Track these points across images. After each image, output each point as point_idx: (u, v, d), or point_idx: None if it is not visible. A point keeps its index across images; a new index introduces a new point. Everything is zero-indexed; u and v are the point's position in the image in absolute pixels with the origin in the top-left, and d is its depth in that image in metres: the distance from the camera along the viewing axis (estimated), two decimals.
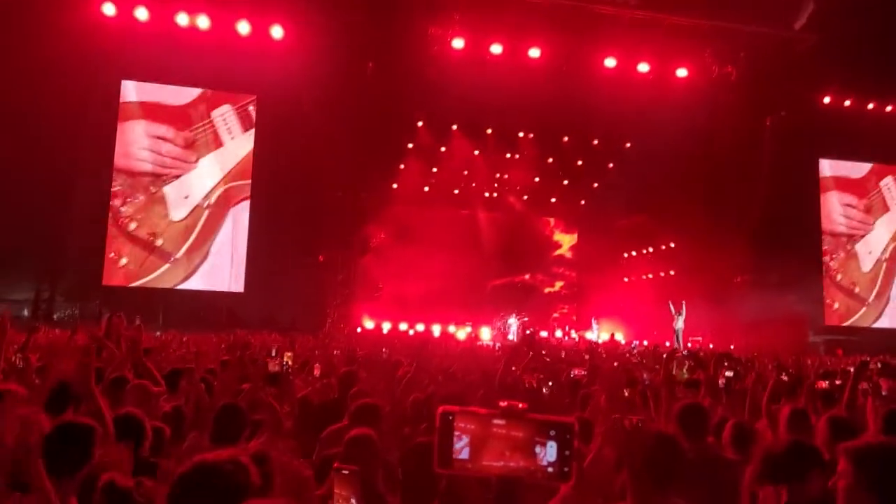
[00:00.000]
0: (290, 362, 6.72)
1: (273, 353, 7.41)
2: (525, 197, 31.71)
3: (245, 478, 2.35)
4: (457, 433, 1.56)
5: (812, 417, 4.59)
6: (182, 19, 21.02)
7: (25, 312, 21.12)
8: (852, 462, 2.27)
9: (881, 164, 28.68)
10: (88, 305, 21.29)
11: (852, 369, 7.65)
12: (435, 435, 1.59)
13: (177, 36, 21.11)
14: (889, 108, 26.11)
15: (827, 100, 25.43)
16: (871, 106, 25.89)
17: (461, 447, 1.56)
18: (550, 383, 4.24)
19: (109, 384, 5.33)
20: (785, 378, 9.11)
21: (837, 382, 6.86)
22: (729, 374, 7.09)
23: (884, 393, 5.89)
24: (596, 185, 30.22)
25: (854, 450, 2.30)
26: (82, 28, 19.76)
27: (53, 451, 3.05)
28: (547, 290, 33.41)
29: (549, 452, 1.52)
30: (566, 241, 34.15)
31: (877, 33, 22.30)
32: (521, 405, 1.55)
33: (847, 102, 25.63)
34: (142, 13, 20.81)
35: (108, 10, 20.67)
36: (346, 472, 2.40)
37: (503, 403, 1.56)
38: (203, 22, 21.13)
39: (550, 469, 1.52)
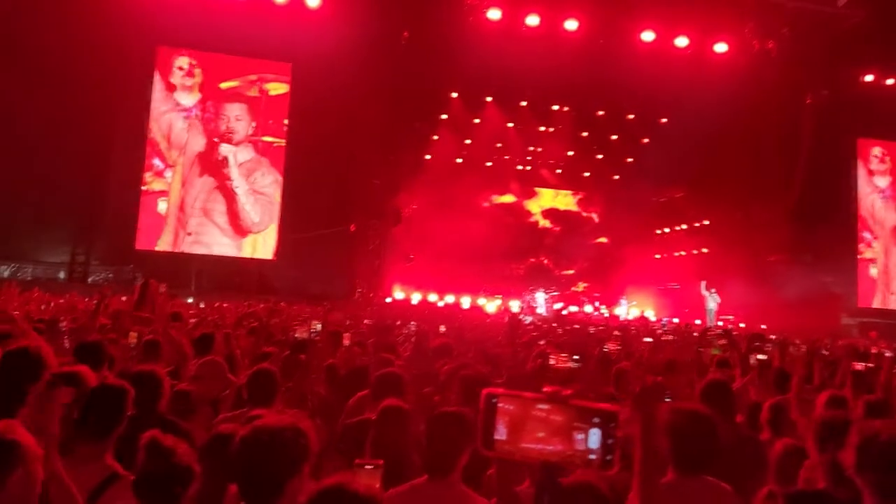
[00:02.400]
0: (318, 328, 6.78)
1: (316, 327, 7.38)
2: (558, 171, 31.52)
3: (305, 443, 2.37)
4: (499, 415, 1.58)
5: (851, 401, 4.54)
6: None
7: (62, 275, 21.53)
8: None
9: None
10: (123, 270, 21.64)
11: (888, 353, 7.54)
12: (479, 417, 1.61)
13: (212, 3, 21.13)
14: None
15: (869, 78, 24.76)
16: None
17: (501, 429, 1.58)
18: (576, 357, 4.22)
19: (145, 346, 5.45)
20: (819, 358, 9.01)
21: (870, 365, 6.77)
22: (761, 356, 7.00)
23: None
24: (630, 159, 29.86)
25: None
26: None
27: (91, 410, 3.13)
28: (561, 272, 33.23)
29: (591, 440, 1.53)
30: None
31: None
32: (566, 391, 1.57)
33: (890, 81, 24.94)
34: None
35: None
36: (369, 466, 2.41)
37: (548, 388, 1.57)
38: None
39: (593, 456, 1.53)
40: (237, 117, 23.42)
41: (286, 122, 23.64)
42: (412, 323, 12.25)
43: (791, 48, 23.03)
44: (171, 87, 23.11)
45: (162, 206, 22.75)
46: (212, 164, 23.11)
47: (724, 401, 4.34)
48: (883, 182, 27.68)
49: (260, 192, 23.39)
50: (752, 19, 22.69)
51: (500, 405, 1.59)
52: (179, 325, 7.43)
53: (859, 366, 6.39)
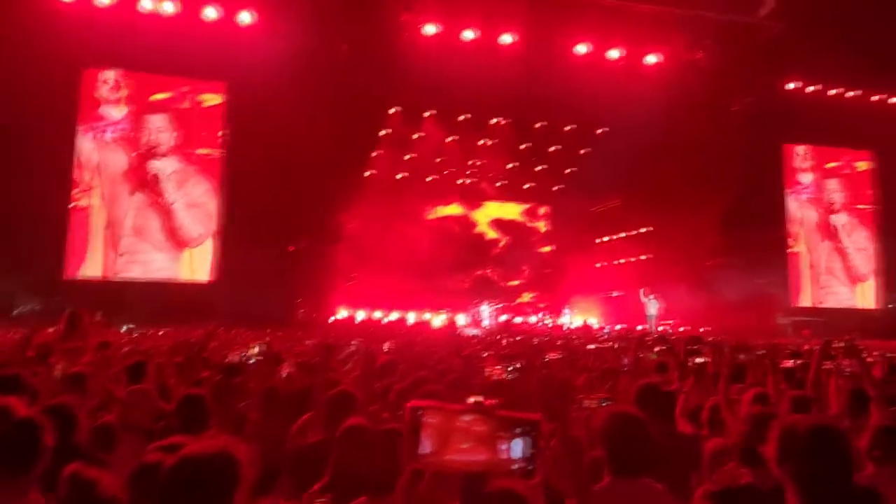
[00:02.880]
0: (256, 351, 6.64)
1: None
2: (499, 183, 31.78)
3: (236, 470, 2.27)
4: (423, 428, 1.58)
5: (774, 398, 4.64)
6: (145, 4, 20.64)
7: None
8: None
9: (845, 149, 29.08)
10: (51, 300, 20.83)
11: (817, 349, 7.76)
12: (406, 430, 1.61)
13: (140, 22, 20.70)
14: (850, 95, 26.51)
15: (791, 86, 25.77)
16: (832, 92, 26.30)
17: (426, 441, 1.58)
18: (513, 367, 4.23)
19: (69, 378, 5.25)
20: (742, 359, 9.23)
21: (799, 362, 6.96)
22: (699, 360, 7.14)
23: (847, 371, 5.98)
24: (569, 170, 30.30)
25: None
26: (39, 16, 19.25)
27: (2, 446, 2.97)
28: (506, 283, 33.50)
29: (515, 449, 1.53)
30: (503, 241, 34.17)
31: (838, 21, 22.64)
32: (490, 401, 1.57)
33: (810, 89, 26.01)
34: None
35: None
36: (320, 500, 2.37)
37: (471, 399, 1.57)
38: (168, 7, 20.77)
39: (516, 465, 1.54)
40: (159, 129, 22.80)
41: (220, 133, 23.21)
42: (354, 341, 12.12)
43: (717, 58, 23.81)
44: (97, 103, 22.42)
45: (92, 232, 22.06)
46: (142, 182, 22.50)
47: (658, 403, 4.40)
48: (806, 179, 28.70)
49: (195, 203, 22.90)
50: (680, 31, 23.40)
51: (424, 418, 1.57)
52: (108, 354, 7.18)
53: (788, 363, 6.57)
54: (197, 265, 22.88)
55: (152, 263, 22.43)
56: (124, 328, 17.45)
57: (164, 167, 22.70)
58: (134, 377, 5.85)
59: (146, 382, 5.68)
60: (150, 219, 22.48)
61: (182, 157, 22.99)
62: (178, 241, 22.67)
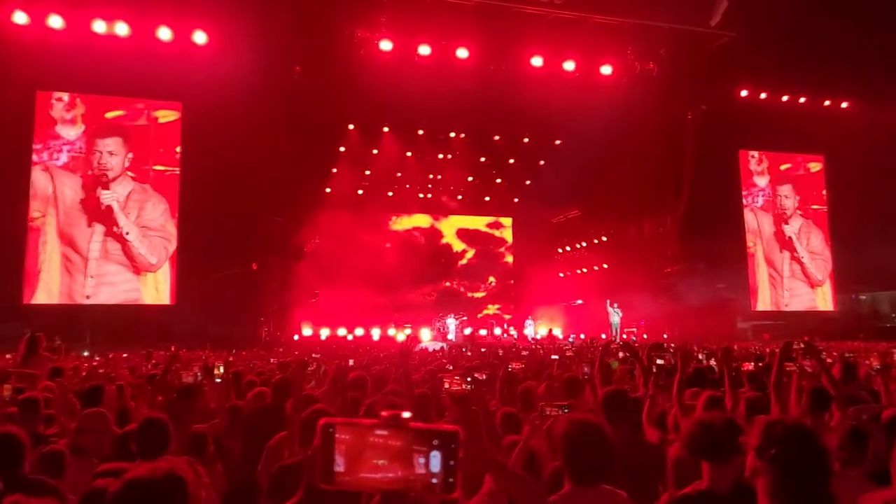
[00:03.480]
0: (213, 371, 6.53)
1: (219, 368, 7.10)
2: (459, 197, 31.92)
3: (183, 493, 2.21)
4: (336, 445, 1.52)
5: (730, 402, 4.71)
6: (99, 27, 20.33)
7: None
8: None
9: (798, 154, 29.76)
10: (8, 326, 20.29)
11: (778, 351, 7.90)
12: (318, 449, 1.53)
13: (95, 44, 20.38)
14: (802, 100, 27.17)
15: (744, 93, 26.32)
16: (785, 98, 26.92)
17: (339, 459, 1.51)
18: (469, 379, 4.22)
19: (22, 404, 5.11)
20: (711, 363, 9.36)
21: (760, 364, 7.07)
22: (660, 361, 7.22)
23: (808, 370, 6.10)
24: (528, 182, 30.55)
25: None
26: None
27: None
28: (470, 294, 33.66)
29: (432, 463, 1.47)
30: (469, 252, 34.39)
31: (787, 29, 23.25)
32: (405, 414, 1.51)
33: (763, 95, 26.60)
34: (56, 21, 20.04)
35: (20, 18, 19.85)
36: None
37: (386, 413, 1.52)
38: (121, 29, 20.50)
39: (434, 479, 1.47)
40: (111, 152, 22.41)
41: (178, 150, 22.92)
42: (314, 354, 12.01)
43: (670, 68, 24.23)
44: (52, 122, 21.99)
45: (50, 255, 21.56)
46: (97, 213, 22.11)
47: (625, 410, 4.43)
48: (762, 181, 29.30)
49: (153, 227, 22.53)
50: (633, 42, 23.75)
51: (337, 435, 1.52)
52: (62, 380, 7.00)
53: (748, 365, 6.66)
54: (161, 287, 22.49)
55: (118, 286, 21.99)
56: (85, 353, 17.09)
57: (118, 194, 22.28)
58: (91, 402, 5.71)
59: (105, 406, 5.56)
60: (110, 246, 22.04)
61: (138, 176, 22.60)
62: (137, 267, 22.25)
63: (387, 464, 1.48)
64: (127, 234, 22.16)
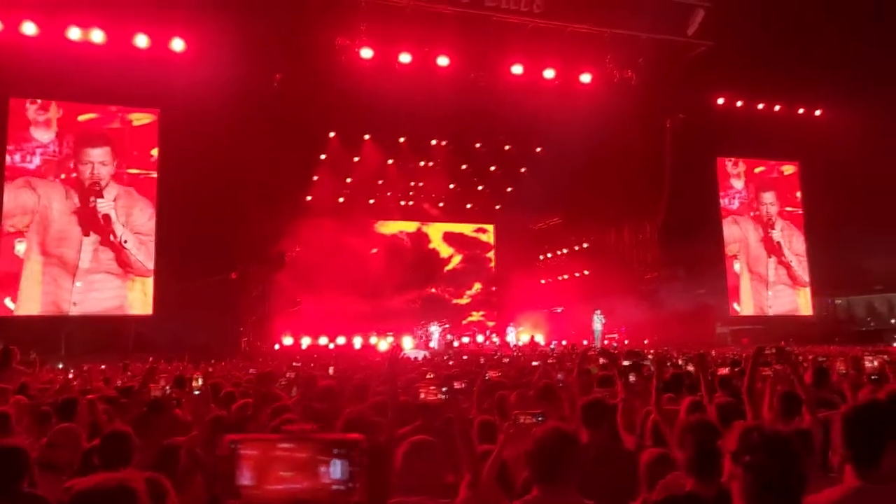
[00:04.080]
0: (189, 383, 6.49)
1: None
2: (441, 204, 31.95)
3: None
4: (242, 461, 1.56)
5: (708, 407, 4.75)
6: (74, 34, 20.15)
7: None
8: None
9: (774, 161, 30.10)
10: None
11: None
12: (222, 464, 1.59)
13: (70, 51, 20.18)
14: (778, 108, 27.53)
15: (721, 101, 26.63)
16: (761, 106, 27.28)
17: (245, 473, 1.56)
18: (445, 388, 4.24)
19: None
20: (689, 369, 9.42)
21: (736, 370, 7.13)
22: (632, 378, 7.27)
23: (781, 376, 6.17)
24: (510, 189, 30.66)
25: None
26: None
27: None
28: (454, 301, 33.70)
29: (334, 470, 1.52)
30: (456, 258, 34.51)
31: (763, 38, 23.61)
32: (308, 426, 1.58)
33: (739, 103, 26.93)
34: (30, 28, 19.84)
35: None
36: None
37: (290, 428, 1.58)
38: (97, 36, 20.33)
39: (336, 487, 1.52)
40: (102, 162, 22.25)
41: (154, 152, 22.73)
42: (295, 363, 11.95)
43: (648, 76, 24.46)
44: (26, 124, 21.73)
45: (24, 264, 21.27)
46: (94, 222, 21.88)
47: (605, 418, 4.46)
48: (738, 184, 29.57)
49: (143, 233, 22.36)
50: (611, 51, 23.95)
51: (242, 451, 1.56)
52: (20, 397, 6.90)
53: (723, 370, 6.72)
54: (149, 292, 22.30)
55: (105, 293, 21.79)
56: (59, 365, 16.88)
57: (111, 202, 22.09)
58: (64, 415, 5.65)
59: (78, 420, 5.50)
60: (102, 255, 21.86)
61: (120, 180, 22.40)
62: (131, 273, 22.08)
63: (293, 475, 1.52)
64: (125, 241, 21.96)
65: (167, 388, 5.37)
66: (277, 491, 1.53)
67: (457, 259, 34.11)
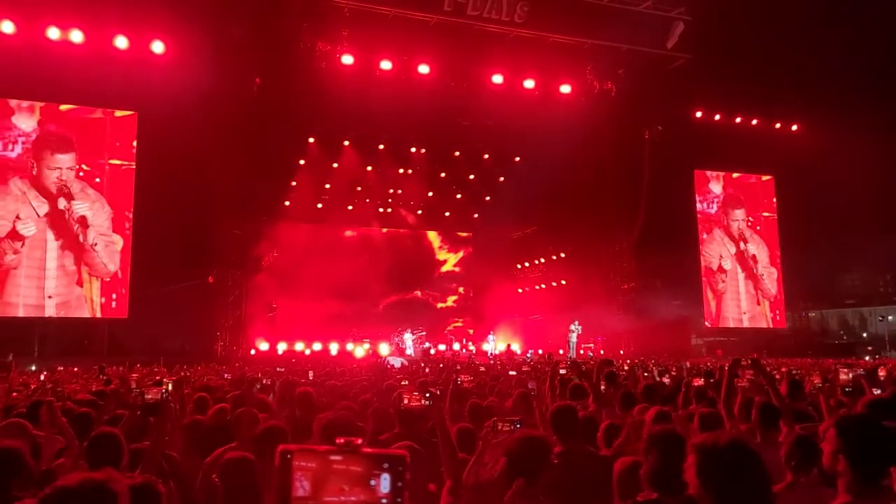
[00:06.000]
0: (169, 389, 6.44)
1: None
2: (419, 211, 31.97)
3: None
4: (297, 471, 1.59)
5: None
6: (53, 33, 19.95)
7: None
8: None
9: (750, 174, 30.45)
10: None
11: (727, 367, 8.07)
12: (274, 474, 1.60)
13: (49, 51, 19.96)
14: (755, 122, 27.91)
15: (699, 114, 26.95)
16: (738, 120, 27.64)
17: (301, 485, 1.59)
18: (428, 394, 4.26)
19: None
20: (665, 380, 9.51)
21: (711, 380, 7.21)
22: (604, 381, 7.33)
23: (755, 387, 6.25)
24: (488, 198, 30.75)
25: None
26: None
27: None
28: (439, 305, 33.76)
29: (382, 485, 1.56)
30: (451, 259, 34.69)
31: (741, 53, 23.97)
32: (357, 440, 1.62)
33: (717, 117, 27.27)
34: (7, 27, 19.63)
35: None
36: None
37: (340, 440, 1.62)
38: (76, 36, 20.14)
39: (385, 500, 1.56)
40: (70, 168, 21.90)
41: (135, 144, 22.49)
42: (279, 368, 11.89)
43: (627, 88, 24.70)
44: (9, 111, 21.45)
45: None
46: (63, 225, 21.59)
47: (573, 425, 4.48)
48: (717, 188, 29.87)
49: (102, 233, 21.99)
50: (591, 62, 24.17)
51: (296, 462, 1.59)
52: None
53: (698, 381, 6.79)
54: (108, 302, 21.92)
55: (69, 296, 21.39)
56: (32, 367, 16.66)
57: (77, 202, 21.78)
58: (33, 419, 5.57)
59: (44, 424, 5.43)
60: (66, 260, 21.51)
61: (91, 171, 22.09)
62: (93, 275, 21.71)
63: (349, 489, 1.57)
64: (95, 244, 21.64)
65: (164, 391, 5.35)
66: (332, 502, 1.57)
67: (454, 259, 34.29)
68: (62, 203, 21.63)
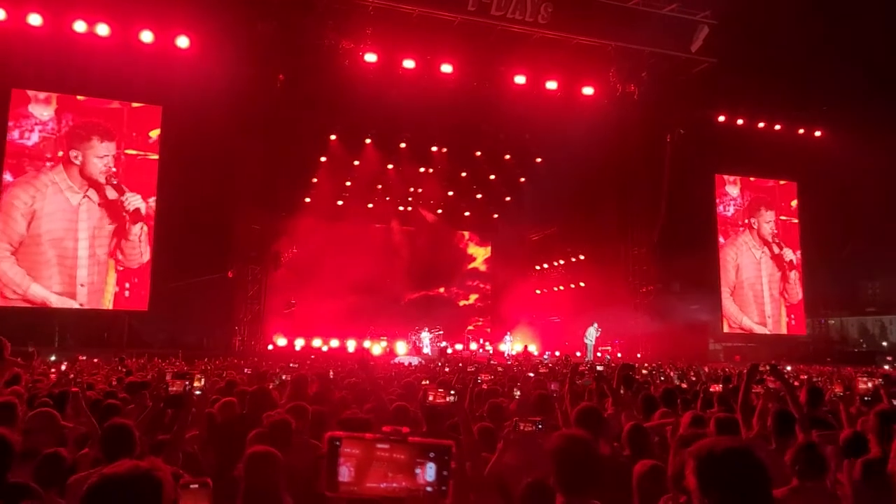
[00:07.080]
0: (193, 384, 6.51)
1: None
2: (439, 211, 31.99)
3: (157, 495, 2.18)
4: (342, 458, 1.67)
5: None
6: (80, 27, 20.18)
7: None
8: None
9: (772, 180, 30.15)
10: None
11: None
12: (323, 459, 1.68)
13: (75, 44, 20.18)
14: (778, 128, 27.64)
15: (722, 118, 26.75)
16: (761, 125, 27.39)
17: (346, 470, 1.67)
18: (453, 392, 4.31)
19: None
20: (684, 385, 9.48)
21: (730, 386, 7.17)
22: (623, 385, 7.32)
23: (775, 394, 6.21)
24: (508, 198, 30.72)
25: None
26: None
27: None
28: (462, 303, 33.77)
29: (428, 473, 1.64)
30: (480, 255, 34.66)
31: (766, 58, 23.78)
32: (404, 429, 1.67)
33: (740, 121, 27.04)
34: (35, 19, 19.87)
35: None
36: (194, 486, 2.44)
37: (387, 428, 1.68)
38: (102, 30, 20.36)
39: (429, 488, 1.63)
40: (110, 156, 22.15)
41: (153, 133, 22.60)
42: (292, 364, 11.95)
43: (650, 90, 24.57)
44: (26, 100, 21.62)
45: (19, 256, 21.19)
46: (118, 215, 21.89)
47: (598, 426, 4.49)
48: (734, 191, 29.60)
49: (130, 236, 22.29)
50: (615, 64, 24.08)
51: (344, 448, 1.67)
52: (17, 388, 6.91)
53: (717, 387, 6.76)
54: (129, 294, 22.10)
55: (80, 293, 21.59)
56: (52, 357, 16.88)
57: (102, 194, 22.00)
58: (59, 408, 5.66)
59: (71, 413, 5.51)
60: (80, 247, 21.69)
61: (119, 185, 22.39)
62: (105, 270, 21.92)
63: (392, 475, 1.66)
64: (140, 237, 21.93)
65: (187, 384, 5.42)
66: (375, 489, 1.65)
67: (482, 255, 34.36)
68: (111, 193, 21.82)
